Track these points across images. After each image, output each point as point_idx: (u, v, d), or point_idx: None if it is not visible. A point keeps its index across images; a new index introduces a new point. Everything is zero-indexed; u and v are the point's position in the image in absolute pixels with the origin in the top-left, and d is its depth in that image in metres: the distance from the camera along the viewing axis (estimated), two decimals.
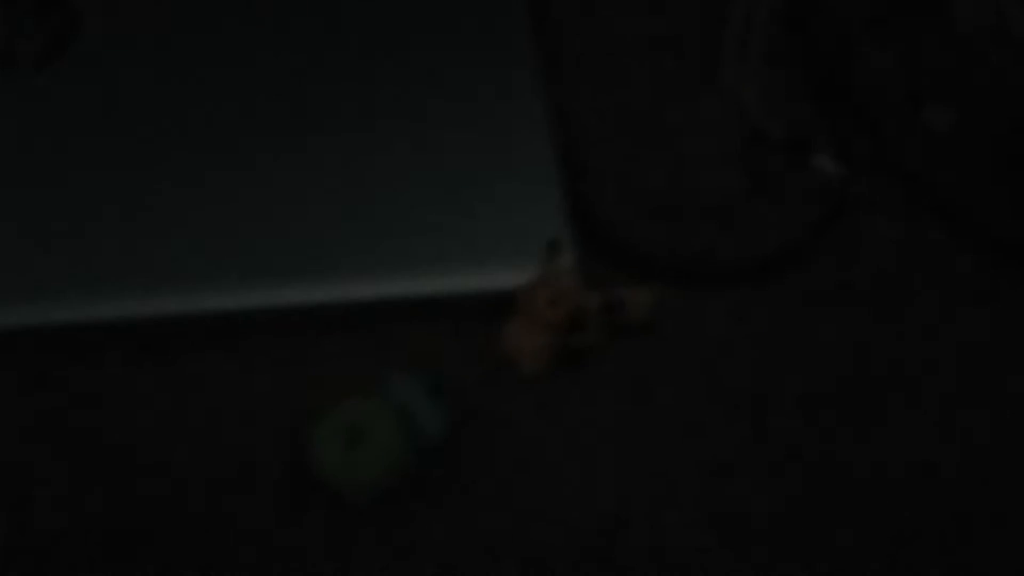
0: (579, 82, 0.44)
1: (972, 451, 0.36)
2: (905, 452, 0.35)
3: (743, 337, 0.37)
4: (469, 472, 0.34)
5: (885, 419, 0.36)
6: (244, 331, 0.35)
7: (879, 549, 0.33)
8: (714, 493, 0.34)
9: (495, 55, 0.42)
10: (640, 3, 0.46)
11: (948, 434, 0.36)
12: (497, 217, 0.37)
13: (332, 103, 0.40)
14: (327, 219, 0.36)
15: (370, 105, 0.40)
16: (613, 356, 0.36)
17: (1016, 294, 0.39)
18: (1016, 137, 0.42)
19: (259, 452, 0.33)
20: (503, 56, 0.42)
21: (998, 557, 0.33)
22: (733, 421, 0.35)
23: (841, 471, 0.35)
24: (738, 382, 0.36)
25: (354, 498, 0.32)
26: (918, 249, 0.40)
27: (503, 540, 0.33)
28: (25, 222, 0.36)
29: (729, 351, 0.37)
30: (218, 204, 0.36)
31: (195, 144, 0.38)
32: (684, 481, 0.34)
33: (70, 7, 0.42)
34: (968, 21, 0.42)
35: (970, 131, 0.42)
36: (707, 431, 0.35)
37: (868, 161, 0.42)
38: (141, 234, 0.36)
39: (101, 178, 0.37)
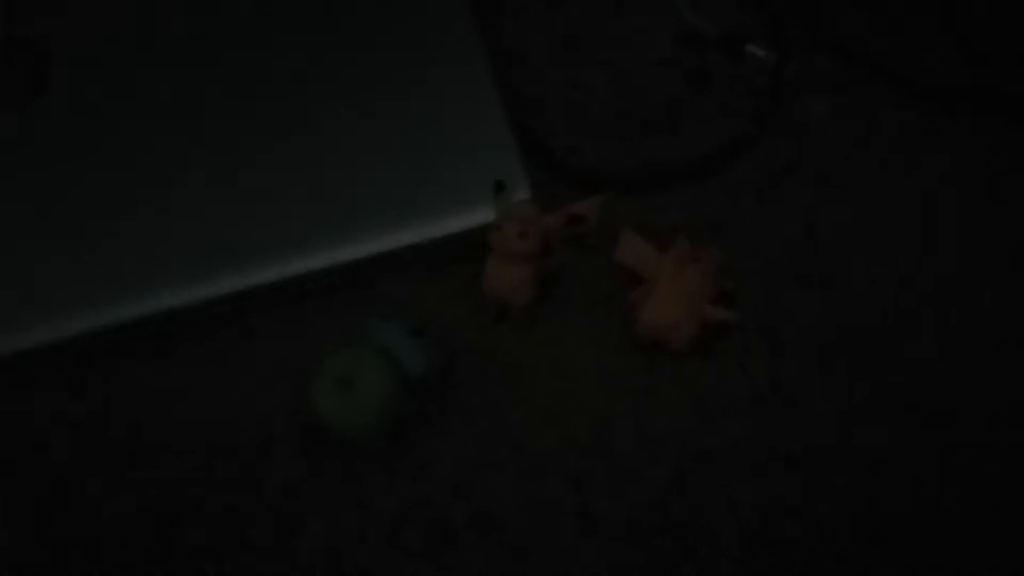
0: (517, 13, 0.46)
1: (935, 298, 0.37)
2: (864, 308, 0.37)
3: (699, 231, 0.39)
4: (465, 401, 0.37)
5: (847, 277, 0.38)
6: (236, 313, 0.39)
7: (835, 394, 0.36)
8: (693, 375, 0.37)
9: (431, 8, 0.44)
10: None
11: (911, 284, 0.38)
12: (455, 162, 0.40)
13: (286, 82, 0.42)
14: (291, 195, 0.39)
15: (316, 74, 0.42)
16: (576, 269, 0.39)
17: (965, 140, 0.40)
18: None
19: (276, 417, 0.37)
20: (440, 9, 0.44)
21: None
22: None
23: (808, 333, 0.37)
24: None
25: (361, 440, 0.35)
26: (857, 115, 0.41)
27: (504, 455, 0.36)
28: (21, 250, 0.40)
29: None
30: (192, 202, 0.40)
31: (165, 151, 0.41)
32: (661, 371, 0.37)
33: (39, 45, 0.45)
34: None
35: None
36: None
37: (800, 41, 0.43)
38: (127, 241, 0.39)
39: (83, 196, 0.41)
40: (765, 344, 0.37)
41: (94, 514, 0.36)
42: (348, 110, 0.41)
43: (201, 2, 0.44)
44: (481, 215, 0.39)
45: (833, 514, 0.34)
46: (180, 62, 0.43)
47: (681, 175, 0.41)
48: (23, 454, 0.37)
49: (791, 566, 0.33)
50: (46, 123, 0.42)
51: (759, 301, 0.38)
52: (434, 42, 0.43)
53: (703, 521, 0.34)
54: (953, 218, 0.39)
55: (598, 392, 0.37)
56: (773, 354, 0.37)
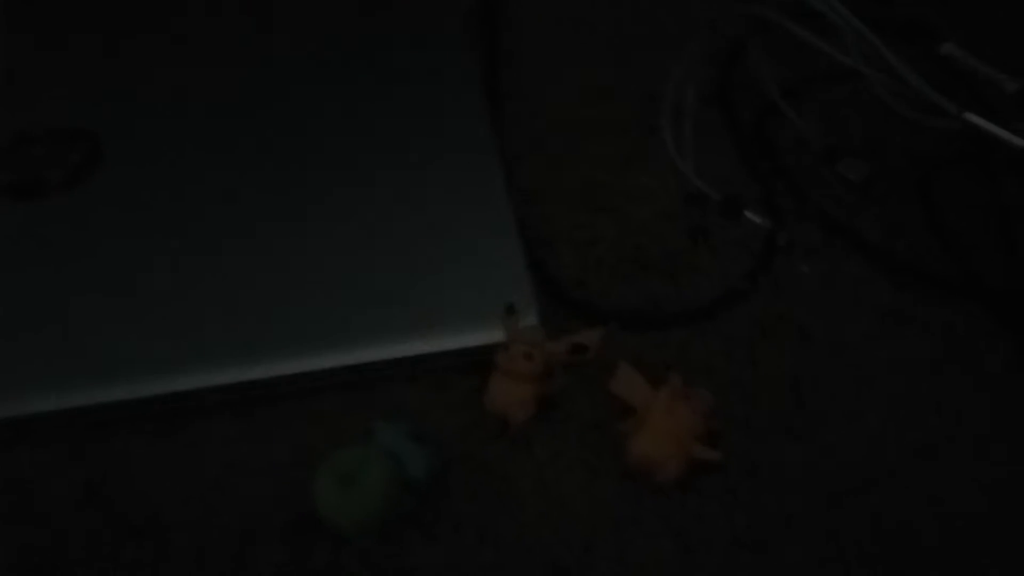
0: (539, 162, 0.50)
1: (911, 460, 0.40)
2: (845, 463, 0.39)
3: (690, 371, 0.42)
4: (456, 510, 0.38)
5: (828, 430, 0.40)
6: (248, 400, 0.40)
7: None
8: (675, 509, 0.38)
9: (460, 140, 0.48)
10: (590, 93, 0.53)
11: (885, 443, 0.40)
12: (470, 283, 0.43)
13: (306, 187, 0.46)
14: (314, 295, 0.42)
15: (344, 187, 0.46)
16: (573, 394, 0.41)
17: (931, 313, 0.44)
18: (926, 182, 0.48)
19: (271, 503, 0.38)
20: (467, 140, 0.48)
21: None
22: None
23: (789, 481, 0.39)
24: None
25: (355, 535, 0.36)
26: (840, 282, 0.45)
27: (487, 565, 0.37)
28: (52, 322, 0.42)
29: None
30: (220, 294, 0.42)
31: (191, 240, 0.44)
32: (645, 502, 0.38)
33: (92, 137, 0.48)
34: (881, 84, 0.48)
35: (882, 179, 0.48)
36: None
37: (792, 212, 0.48)
38: (143, 325, 0.41)
39: (119, 282, 0.43)
40: (746, 487, 0.39)
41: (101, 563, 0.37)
42: (381, 226, 0.44)
43: (232, 118, 0.49)
44: (489, 334, 0.41)
45: None
46: (210, 164, 0.47)
47: (677, 318, 0.44)
48: (17, 513, 0.38)
49: None
50: (83, 207, 0.45)
51: (742, 445, 0.40)
52: (463, 173, 0.47)
53: None
54: (922, 389, 0.42)
55: (584, 517, 0.38)
56: (753, 498, 0.39)
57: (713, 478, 0.39)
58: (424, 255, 0.43)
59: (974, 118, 0.43)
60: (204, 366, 0.40)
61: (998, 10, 0.56)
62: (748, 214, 0.47)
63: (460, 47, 0.53)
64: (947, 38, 0.54)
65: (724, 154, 0.51)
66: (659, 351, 0.43)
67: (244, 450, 0.40)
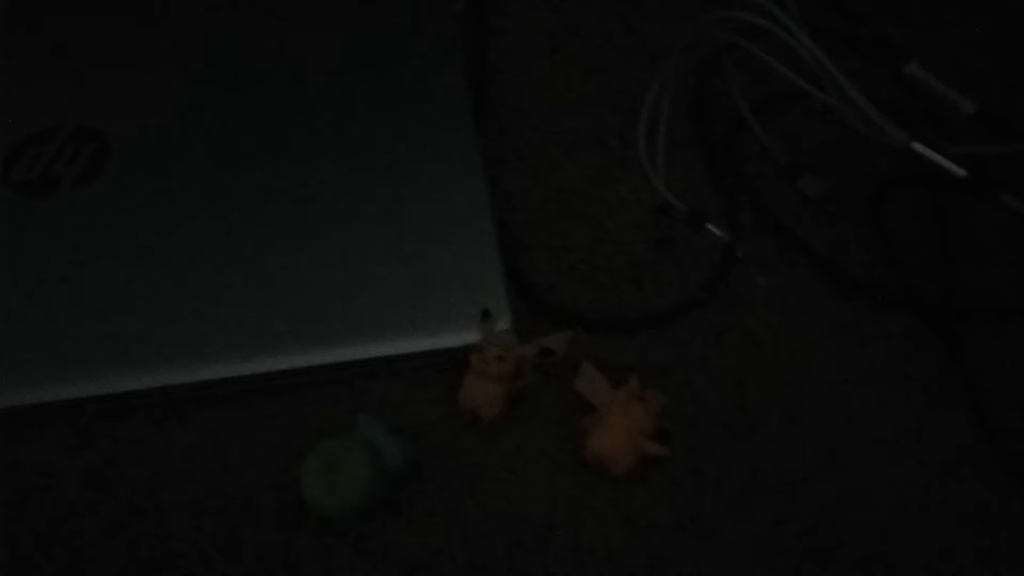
0: (520, 170, 0.54)
1: (843, 457, 0.44)
2: (781, 461, 0.44)
3: (648, 373, 0.46)
4: (430, 496, 0.43)
5: (767, 430, 0.45)
6: (245, 392, 0.45)
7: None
8: (627, 498, 0.43)
9: (445, 147, 0.51)
10: (573, 105, 0.56)
11: (820, 442, 0.44)
12: (450, 287, 0.47)
13: (296, 190, 0.49)
14: (307, 297, 0.46)
15: (331, 190, 0.49)
16: (539, 392, 0.45)
17: (873, 323, 0.48)
18: (877, 202, 0.52)
19: (262, 488, 0.42)
20: (452, 148, 0.51)
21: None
22: None
23: (729, 475, 0.43)
24: None
25: (337, 520, 0.40)
26: (792, 293, 0.49)
27: (456, 547, 0.41)
28: (61, 315, 0.46)
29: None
30: (217, 293, 0.46)
31: (195, 240, 0.47)
32: (600, 491, 0.43)
33: (101, 136, 0.52)
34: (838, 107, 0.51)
35: (838, 196, 0.52)
36: None
37: (752, 226, 0.51)
38: (160, 319, 0.45)
39: (123, 275, 0.47)
40: (691, 479, 0.43)
41: (86, 555, 0.41)
42: (372, 230, 0.48)
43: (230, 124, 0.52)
44: (466, 336, 0.45)
45: None
46: (206, 166, 0.50)
47: (639, 324, 0.48)
48: (28, 493, 0.42)
49: None
50: (90, 204, 0.49)
51: (690, 442, 0.44)
52: (448, 179, 0.50)
53: None
54: (858, 393, 0.46)
55: (545, 502, 0.43)
56: (696, 489, 0.43)
57: (661, 471, 0.43)
58: (409, 260, 0.47)
59: (920, 147, 0.47)
60: (204, 360, 0.44)
61: (968, 31, 0.59)
62: (710, 226, 0.51)
63: (452, 51, 0.56)
64: (911, 58, 0.57)
65: (695, 166, 0.54)
66: (621, 353, 0.47)
67: (240, 438, 0.44)
